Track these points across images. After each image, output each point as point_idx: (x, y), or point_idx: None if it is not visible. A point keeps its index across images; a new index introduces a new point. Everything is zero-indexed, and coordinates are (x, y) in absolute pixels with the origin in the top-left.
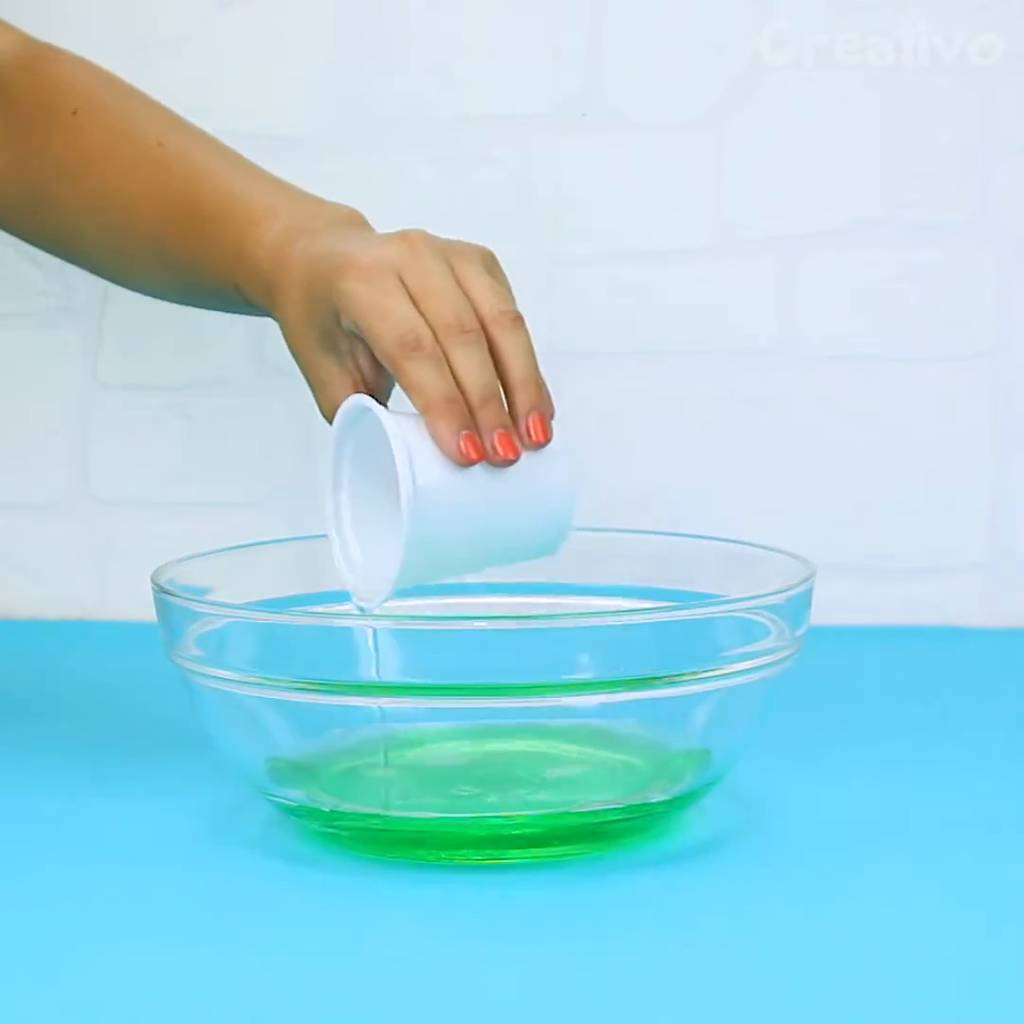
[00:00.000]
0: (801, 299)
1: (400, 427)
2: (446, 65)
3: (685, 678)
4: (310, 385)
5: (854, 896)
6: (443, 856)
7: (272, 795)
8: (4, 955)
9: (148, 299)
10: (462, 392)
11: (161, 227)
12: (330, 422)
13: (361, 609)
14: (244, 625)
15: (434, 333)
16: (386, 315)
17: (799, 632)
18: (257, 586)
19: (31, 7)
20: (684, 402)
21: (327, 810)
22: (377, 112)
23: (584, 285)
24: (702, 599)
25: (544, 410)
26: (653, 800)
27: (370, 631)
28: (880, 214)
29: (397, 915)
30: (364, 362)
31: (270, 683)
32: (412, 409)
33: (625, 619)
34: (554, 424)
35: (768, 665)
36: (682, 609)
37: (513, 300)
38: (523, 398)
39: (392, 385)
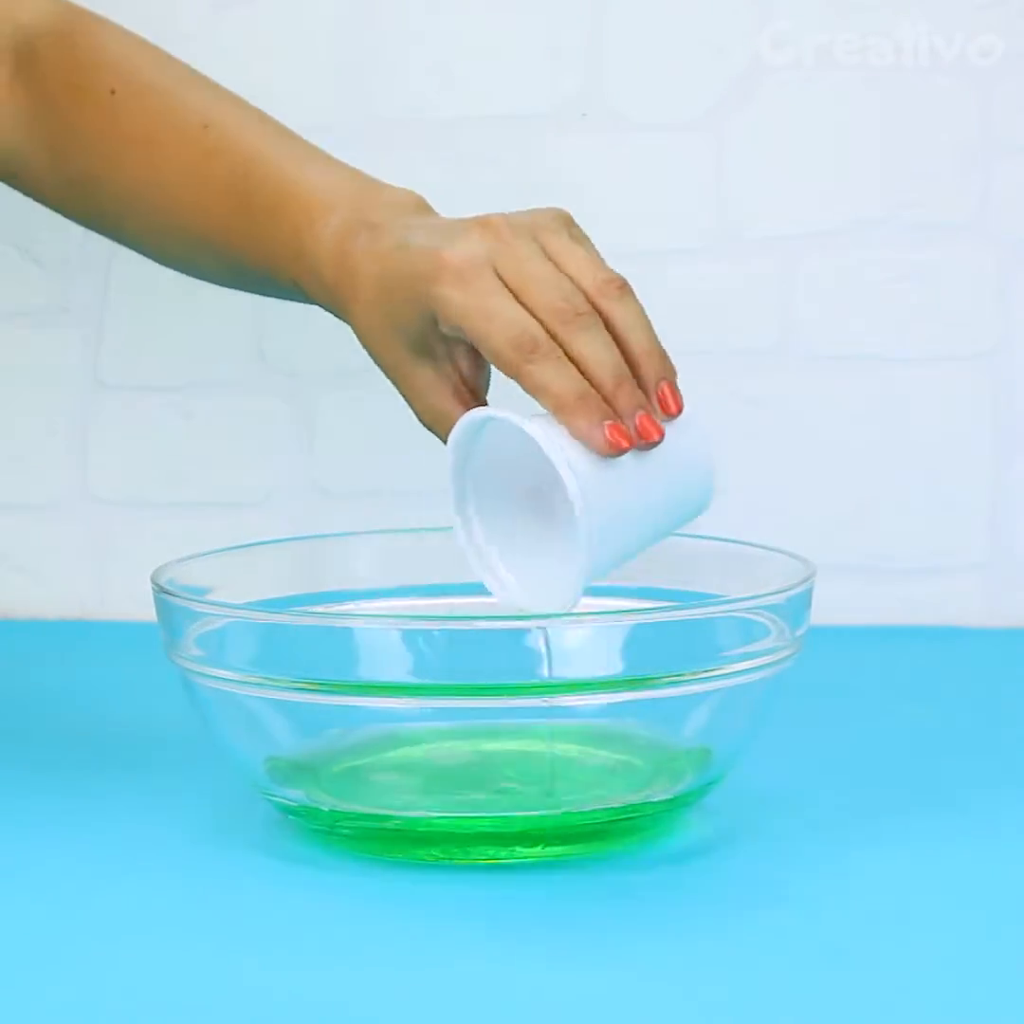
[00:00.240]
0: (801, 299)
1: (545, 431)
2: (446, 65)
3: (685, 678)
4: (403, 393)
5: (854, 896)
6: (443, 856)
7: (272, 795)
8: (4, 954)
9: (148, 299)
10: (591, 380)
11: (207, 218)
12: (430, 428)
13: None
14: (244, 625)
15: (545, 325)
16: (492, 318)
17: (799, 632)
18: (257, 586)
19: None
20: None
21: (327, 810)
22: (377, 112)
23: None
24: (702, 599)
25: (671, 377)
26: (653, 800)
27: (542, 634)
28: (880, 214)
29: (397, 915)
30: (464, 363)
31: (270, 683)
32: (538, 408)
33: (625, 619)
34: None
35: (768, 665)
36: (682, 609)
37: (605, 263)
38: (649, 370)
39: (489, 378)
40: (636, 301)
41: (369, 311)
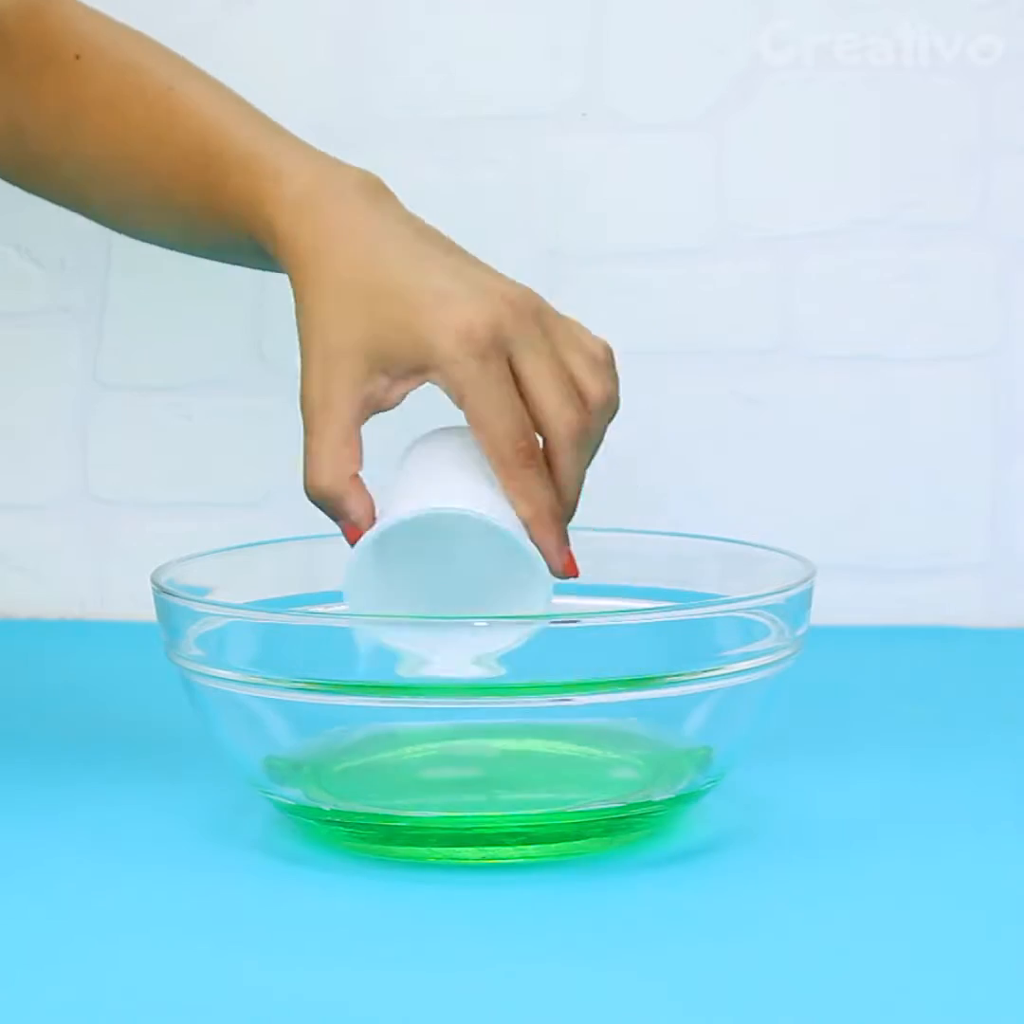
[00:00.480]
0: (801, 299)
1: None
2: (446, 65)
3: (685, 678)
4: (311, 429)
5: (854, 896)
6: (443, 856)
7: (272, 795)
8: (4, 954)
9: (148, 300)
10: (561, 500)
11: (170, 173)
12: (321, 489)
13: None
14: (244, 625)
15: (544, 430)
16: (503, 413)
17: (799, 632)
18: (257, 586)
19: None
20: (684, 402)
21: (327, 810)
22: (377, 112)
23: (584, 285)
24: (702, 599)
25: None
26: (653, 800)
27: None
28: (880, 214)
29: (397, 915)
30: (392, 397)
31: (270, 683)
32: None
33: (625, 619)
34: None
35: (768, 665)
36: (682, 609)
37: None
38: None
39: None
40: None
41: (329, 308)
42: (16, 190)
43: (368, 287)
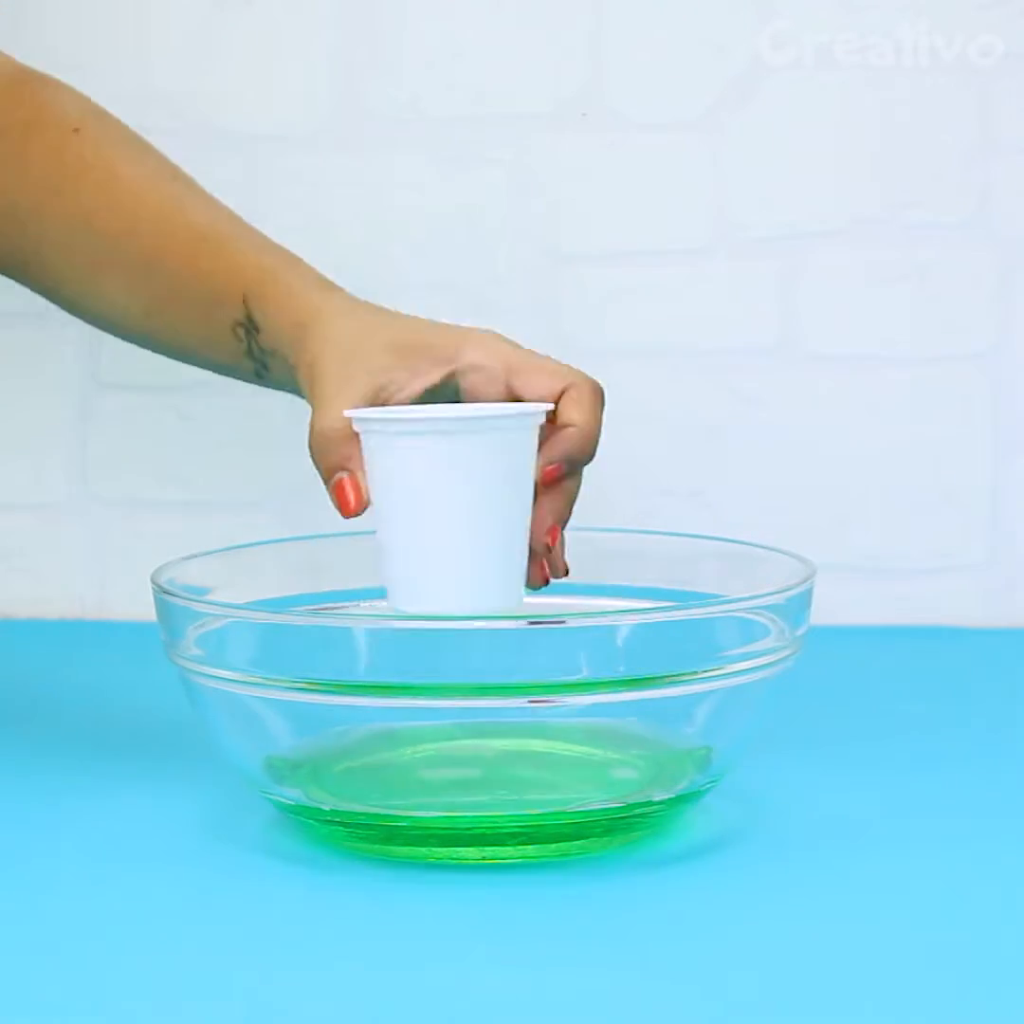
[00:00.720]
0: (801, 299)
1: None
2: (446, 65)
3: (685, 678)
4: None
5: (854, 896)
6: (443, 856)
7: (272, 795)
8: (3, 955)
9: None
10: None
11: (168, 241)
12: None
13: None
14: (244, 625)
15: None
16: (596, 439)
17: (799, 632)
18: (257, 586)
19: (31, 8)
20: (684, 402)
21: (327, 810)
22: (377, 112)
23: (584, 285)
24: (702, 599)
25: None
26: (653, 800)
27: None
28: (880, 214)
29: (397, 915)
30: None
31: (270, 683)
32: None
33: (625, 619)
34: None
35: (768, 665)
36: (682, 609)
37: None
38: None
39: None
40: None
41: (345, 331)
42: None
43: (387, 319)
